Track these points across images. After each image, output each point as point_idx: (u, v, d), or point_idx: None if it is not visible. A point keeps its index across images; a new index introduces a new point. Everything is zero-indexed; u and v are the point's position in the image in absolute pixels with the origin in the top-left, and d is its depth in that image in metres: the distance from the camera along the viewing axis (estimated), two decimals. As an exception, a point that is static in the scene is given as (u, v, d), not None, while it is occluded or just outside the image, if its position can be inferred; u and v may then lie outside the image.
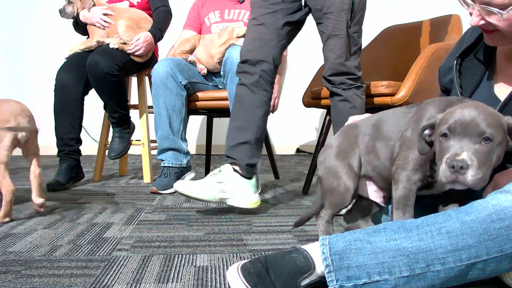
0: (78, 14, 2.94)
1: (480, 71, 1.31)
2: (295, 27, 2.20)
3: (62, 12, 2.92)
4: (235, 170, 2.04)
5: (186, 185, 2.00)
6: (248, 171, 2.05)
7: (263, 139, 2.16)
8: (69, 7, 2.91)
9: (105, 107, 2.94)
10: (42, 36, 5.07)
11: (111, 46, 2.75)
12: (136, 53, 2.81)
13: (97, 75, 2.67)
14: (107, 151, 3.05)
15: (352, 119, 1.51)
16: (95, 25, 2.89)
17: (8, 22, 5.10)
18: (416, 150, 1.17)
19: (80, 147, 2.89)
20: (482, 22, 1.13)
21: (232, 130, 2.13)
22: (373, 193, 1.41)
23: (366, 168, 1.36)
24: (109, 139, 3.07)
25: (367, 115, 1.48)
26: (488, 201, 1.01)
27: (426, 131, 1.13)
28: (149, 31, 2.86)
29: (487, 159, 1.01)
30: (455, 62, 1.35)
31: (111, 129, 3.06)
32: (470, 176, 0.98)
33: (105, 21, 2.88)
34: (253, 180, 2.08)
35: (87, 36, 3.04)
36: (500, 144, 1.03)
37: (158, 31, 2.90)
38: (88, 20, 2.90)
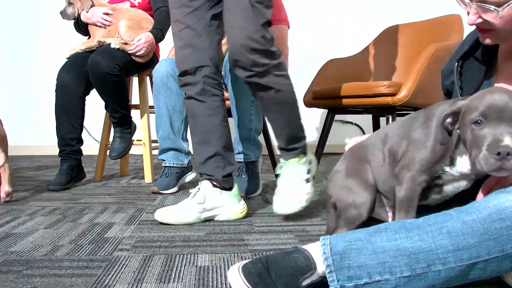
0: (79, 14, 2.94)
1: (481, 73, 1.31)
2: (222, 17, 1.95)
3: (63, 14, 2.92)
4: (214, 185, 1.94)
5: (166, 214, 1.87)
6: (227, 182, 1.97)
7: (231, 144, 2.07)
8: (69, 8, 2.91)
9: (106, 107, 2.94)
10: (44, 36, 5.07)
11: (112, 46, 2.75)
12: (137, 54, 2.81)
13: (98, 75, 2.67)
14: (108, 151, 3.05)
15: (354, 141, 1.50)
16: (96, 25, 2.89)
17: (9, 22, 5.11)
18: (424, 150, 1.17)
19: (81, 147, 2.89)
20: (480, 20, 1.14)
21: (196, 146, 2.00)
22: (385, 213, 1.38)
23: (378, 184, 1.34)
24: (110, 139, 3.07)
25: (367, 135, 1.47)
26: (489, 201, 1.01)
27: (448, 119, 1.10)
28: (150, 31, 2.86)
29: None
30: (456, 64, 1.36)
31: (112, 129, 3.06)
32: None
33: (105, 20, 2.88)
34: (234, 189, 2.00)
35: (88, 36, 3.05)
36: None
37: (159, 32, 2.90)
38: (89, 20, 2.90)
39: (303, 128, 2.02)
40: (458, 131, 1.11)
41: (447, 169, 1.16)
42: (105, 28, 2.89)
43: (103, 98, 2.85)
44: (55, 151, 2.88)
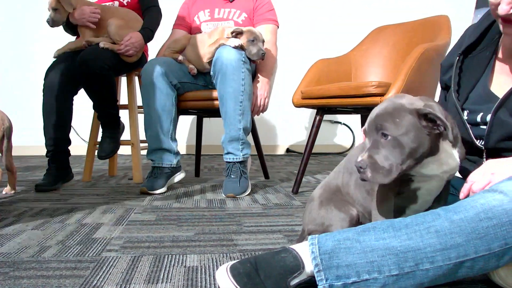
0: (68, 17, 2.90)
1: (480, 69, 1.34)
2: None
3: (51, 22, 2.85)
4: None
5: None
6: None
7: None
8: (56, 14, 2.84)
9: (94, 107, 2.92)
10: (31, 36, 5.03)
11: (100, 45, 2.73)
12: (126, 54, 2.79)
13: (87, 74, 2.65)
14: (96, 151, 3.03)
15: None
16: (86, 24, 2.86)
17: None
18: None
19: (69, 148, 2.87)
20: None
21: None
22: None
23: (359, 204, 1.33)
24: (99, 139, 3.05)
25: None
26: (476, 200, 1.02)
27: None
28: (139, 31, 2.85)
29: (393, 153, 1.05)
30: (457, 59, 1.38)
31: (100, 129, 3.04)
32: (369, 173, 1.06)
33: (94, 17, 2.84)
34: None
35: (76, 36, 3.03)
36: (407, 133, 1.04)
37: (148, 31, 2.89)
38: (79, 20, 2.86)
39: None
40: None
41: (413, 172, 1.17)
42: (95, 27, 2.86)
43: (92, 98, 2.83)
44: (43, 151, 2.86)
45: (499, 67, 1.32)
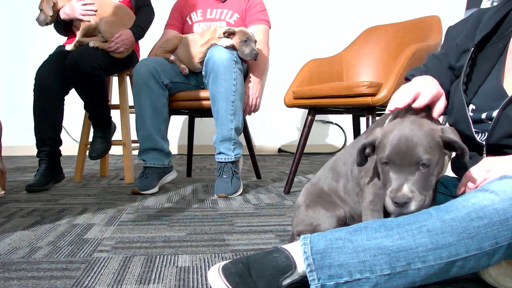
0: (58, 16, 2.88)
1: (491, 63, 1.29)
2: None
3: (38, 21, 2.84)
4: None
5: None
6: None
7: None
8: (41, 14, 2.82)
9: (85, 107, 2.91)
10: (21, 36, 5.00)
11: (90, 45, 2.72)
12: (116, 51, 2.78)
13: (78, 74, 2.64)
14: (87, 151, 3.02)
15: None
16: (79, 19, 2.83)
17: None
18: None
19: (60, 148, 2.85)
20: None
21: None
22: None
23: (349, 206, 1.33)
24: (90, 139, 3.04)
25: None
26: (467, 200, 1.02)
27: (367, 150, 1.16)
28: (130, 28, 2.84)
29: (427, 182, 1.05)
30: (472, 50, 1.30)
31: (91, 129, 3.03)
32: (414, 207, 1.03)
33: (87, 10, 2.81)
34: None
35: (67, 37, 3.02)
36: (438, 162, 1.06)
37: (139, 29, 2.87)
38: (70, 15, 2.83)
39: None
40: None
41: None
42: (89, 21, 2.83)
43: (83, 98, 2.81)
44: (34, 151, 2.84)
45: (510, 63, 1.27)
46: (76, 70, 2.62)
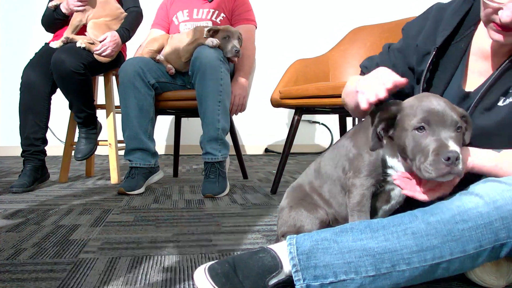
0: (55, 9, 2.88)
1: (453, 65, 1.27)
2: None
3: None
4: None
5: None
6: None
7: None
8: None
9: (70, 107, 2.89)
10: (5, 35, 4.95)
11: (78, 44, 2.70)
12: (103, 54, 2.76)
13: (62, 73, 2.62)
14: (73, 151, 3.00)
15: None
16: (75, 10, 2.82)
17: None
18: (368, 155, 1.18)
19: (46, 148, 2.83)
20: None
21: None
22: None
23: (334, 209, 1.32)
24: (75, 140, 3.02)
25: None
26: (452, 202, 1.03)
27: (381, 125, 1.12)
28: (116, 30, 2.83)
29: (461, 146, 1.04)
30: (433, 53, 1.26)
31: (77, 129, 3.01)
32: (461, 165, 1.00)
33: (80, 2, 2.80)
34: None
35: (53, 35, 3.00)
36: (462, 130, 1.07)
37: (126, 31, 2.86)
38: (66, 10, 2.84)
39: None
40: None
41: (390, 171, 1.18)
42: (82, 11, 2.82)
43: (68, 98, 2.79)
44: (18, 152, 2.81)
45: (472, 64, 1.26)
46: (62, 69, 2.60)
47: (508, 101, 1.14)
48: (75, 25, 2.82)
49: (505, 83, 1.15)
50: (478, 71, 1.24)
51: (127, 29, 2.88)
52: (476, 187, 1.05)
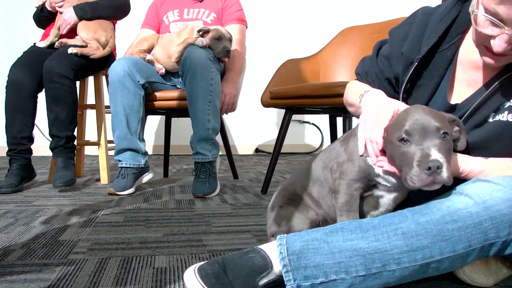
0: (42, 7, 2.88)
1: (439, 75, 1.23)
2: None
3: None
4: None
5: None
6: None
7: None
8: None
9: (51, 130, 2.74)
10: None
11: (69, 51, 2.67)
12: (62, 32, 2.79)
13: (54, 79, 2.60)
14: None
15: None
16: (56, 8, 2.83)
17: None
18: (358, 161, 1.18)
19: (34, 148, 2.80)
20: (510, 47, 1.00)
21: None
22: None
23: (324, 210, 1.32)
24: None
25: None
26: (442, 202, 1.04)
27: None
28: (73, 6, 2.81)
29: (448, 153, 1.04)
30: (415, 64, 1.23)
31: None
32: (446, 172, 0.98)
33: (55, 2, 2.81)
34: None
35: (43, 33, 2.99)
36: (451, 136, 1.06)
37: (85, 7, 2.81)
38: (51, 7, 2.84)
39: None
40: None
41: (379, 179, 1.18)
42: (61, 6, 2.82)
43: (53, 111, 2.69)
44: (2, 152, 2.77)
45: (459, 74, 1.22)
46: (52, 74, 2.59)
47: (497, 117, 1.12)
48: (59, 24, 2.81)
49: (497, 100, 1.12)
50: (466, 81, 1.21)
51: (90, 7, 2.83)
52: (466, 187, 1.05)
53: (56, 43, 2.78)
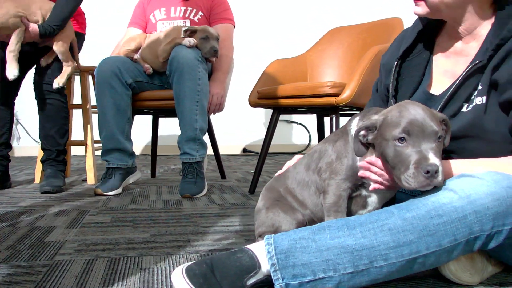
0: None
1: (419, 73, 1.33)
2: None
3: None
4: None
5: None
6: None
7: None
8: None
9: (43, 144, 2.76)
10: None
11: (54, 86, 2.64)
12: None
13: (44, 94, 2.59)
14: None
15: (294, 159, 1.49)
16: None
17: None
18: (346, 160, 1.19)
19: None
20: None
21: None
22: None
23: (311, 209, 1.33)
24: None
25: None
26: (427, 198, 1.05)
27: (362, 132, 1.14)
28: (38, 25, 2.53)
29: (440, 154, 1.07)
30: (395, 64, 1.37)
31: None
32: (441, 176, 1.02)
33: None
34: None
35: None
36: (443, 139, 1.09)
37: (46, 27, 2.53)
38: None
39: None
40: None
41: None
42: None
43: (46, 126, 2.71)
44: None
45: (437, 68, 1.32)
46: (43, 90, 2.57)
47: (471, 106, 1.18)
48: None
49: (467, 90, 1.18)
50: (443, 72, 1.30)
51: (50, 25, 2.54)
52: (451, 183, 1.07)
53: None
